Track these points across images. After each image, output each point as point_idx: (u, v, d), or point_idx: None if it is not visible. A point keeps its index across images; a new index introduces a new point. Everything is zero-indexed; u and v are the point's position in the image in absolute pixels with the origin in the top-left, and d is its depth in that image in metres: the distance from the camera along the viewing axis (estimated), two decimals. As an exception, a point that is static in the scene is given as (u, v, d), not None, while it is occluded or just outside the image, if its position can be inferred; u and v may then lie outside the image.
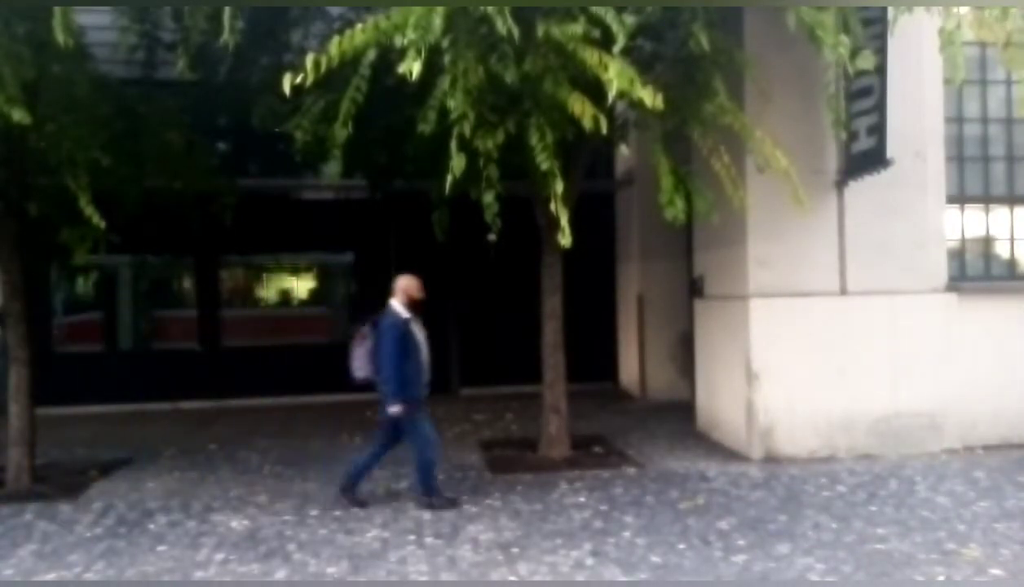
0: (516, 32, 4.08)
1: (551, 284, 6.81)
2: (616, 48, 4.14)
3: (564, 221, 4.49)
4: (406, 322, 5.36)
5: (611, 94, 4.17)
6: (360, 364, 5.40)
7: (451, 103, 4.19)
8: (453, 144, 4.22)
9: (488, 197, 4.57)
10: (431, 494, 5.37)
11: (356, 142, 4.90)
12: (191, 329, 10.14)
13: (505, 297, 10.10)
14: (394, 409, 5.20)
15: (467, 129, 4.24)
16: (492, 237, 4.56)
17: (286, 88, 4.05)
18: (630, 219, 10.02)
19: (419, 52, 3.88)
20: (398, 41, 4.01)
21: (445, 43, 4.06)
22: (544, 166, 4.53)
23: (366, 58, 4.31)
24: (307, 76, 4.01)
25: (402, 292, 5.45)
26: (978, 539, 4.61)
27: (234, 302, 10.56)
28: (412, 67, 3.87)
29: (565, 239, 4.53)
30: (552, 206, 4.53)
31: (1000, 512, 5.10)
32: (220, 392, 9.81)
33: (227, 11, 4.41)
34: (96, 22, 6.26)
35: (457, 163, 4.22)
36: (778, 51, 6.24)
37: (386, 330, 5.28)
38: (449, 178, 4.25)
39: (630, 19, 4.21)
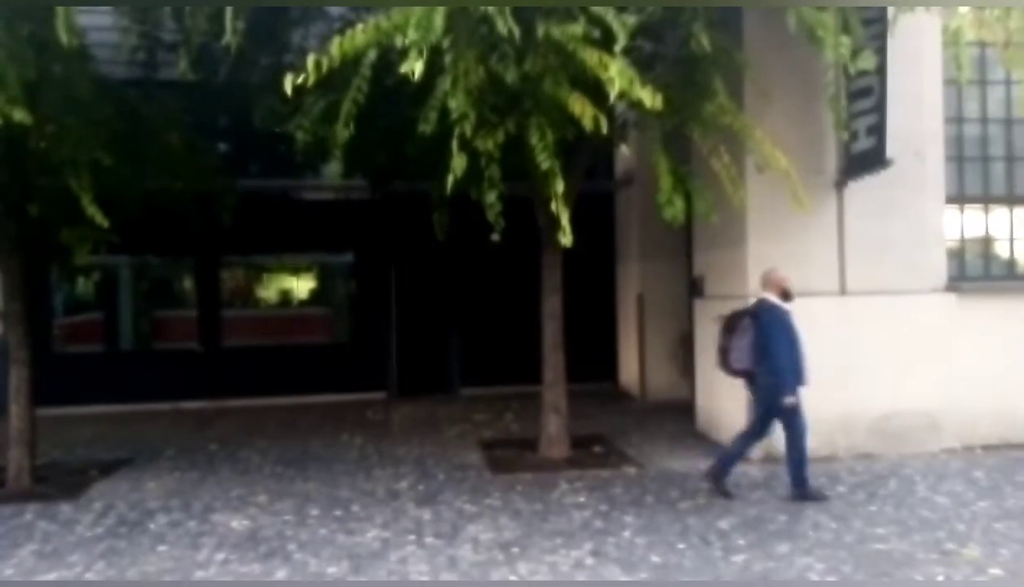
0: (517, 32, 4.09)
1: (551, 284, 6.81)
2: (617, 48, 4.14)
3: (564, 220, 4.49)
4: (788, 313, 5.45)
5: (612, 94, 4.17)
6: (741, 356, 5.49)
7: (453, 103, 4.19)
8: (454, 144, 4.22)
9: (490, 197, 4.57)
10: (803, 485, 5.43)
11: (356, 142, 4.90)
12: (191, 329, 10.14)
13: (505, 297, 10.11)
14: (790, 400, 5.29)
15: (468, 129, 4.24)
16: (495, 237, 4.57)
17: (288, 89, 4.05)
18: (630, 219, 10.03)
19: (420, 52, 3.88)
20: (398, 41, 4.01)
21: (446, 43, 4.06)
22: (545, 166, 4.53)
23: (367, 58, 4.31)
24: (309, 77, 4.01)
25: (774, 285, 5.56)
26: (977, 539, 4.61)
27: (234, 302, 10.55)
28: (415, 67, 3.87)
29: (566, 238, 4.53)
30: (552, 206, 4.53)
31: (1000, 512, 5.11)
32: (220, 392, 9.82)
33: (228, 12, 4.41)
34: (97, 23, 6.27)
35: (458, 163, 4.22)
36: (777, 51, 6.25)
37: (775, 323, 5.38)
38: (450, 178, 4.25)
39: (631, 19, 4.21)
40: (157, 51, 6.88)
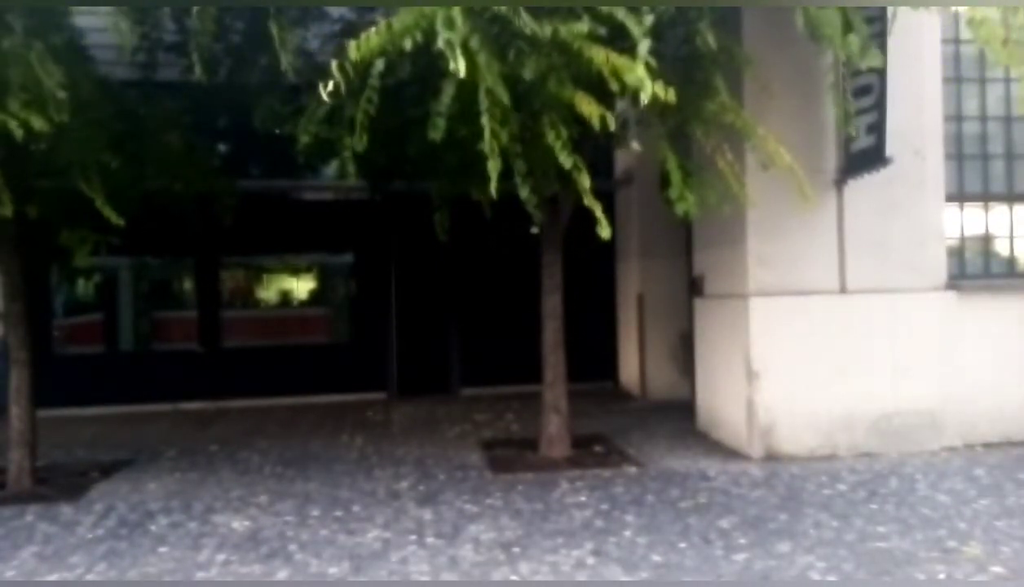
0: (538, 30, 4.06)
1: (551, 284, 6.81)
2: (643, 49, 4.05)
3: (599, 212, 4.48)
4: None
5: (644, 97, 4.06)
6: None
7: (484, 104, 4.13)
8: (487, 146, 4.17)
9: (523, 192, 4.57)
10: None
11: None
12: (191, 330, 10.15)
13: (505, 297, 10.11)
14: None
15: (496, 128, 4.19)
16: (534, 230, 4.55)
17: (323, 95, 4.05)
18: (630, 218, 10.02)
19: (454, 49, 3.84)
20: (407, 44, 4.00)
21: (475, 42, 4.02)
22: (567, 163, 4.50)
23: (374, 69, 4.28)
24: (339, 83, 4.00)
25: None
26: (979, 537, 4.61)
27: (234, 303, 10.56)
28: (460, 67, 3.80)
29: (604, 230, 4.51)
30: (585, 200, 4.50)
31: (1001, 509, 5.11)
32: (220, 393, 9.83)
33: (274, 29, 4.39)
34: (97, 24, 6.27)
35: (493, 165, 4.18)
36: (776, 50, 6.25)
37: None
38: (493, 183, 4.21)
39: (649, 18, 4.16)
40: (157, 52, 6.88)
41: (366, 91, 4.40)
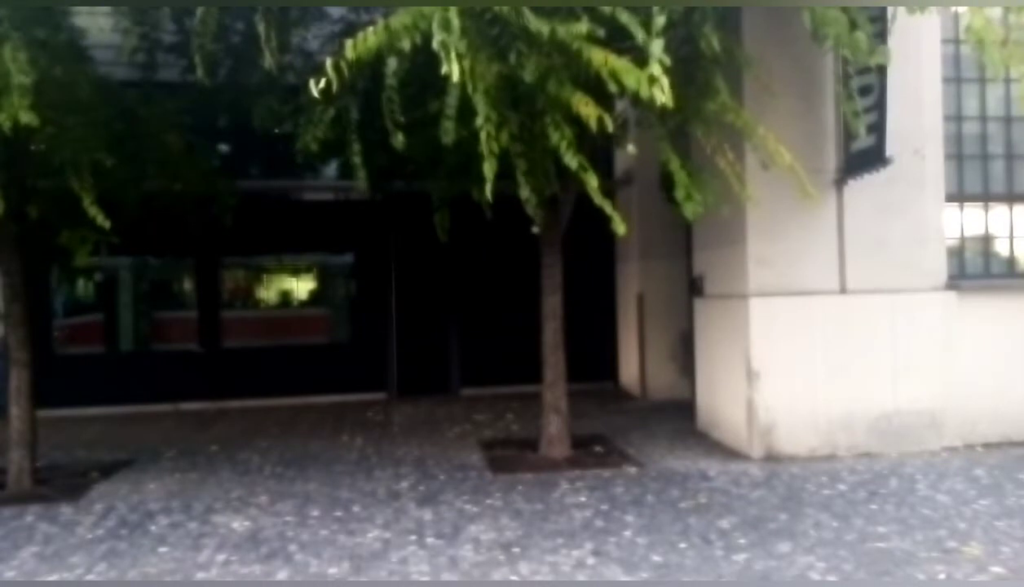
0: (543, 29, 4.06)
1: (551, 284, 6.81)
2: (656, 49, 4.01)
3: (610, 210, 4.47)
4: None
5: (661, 94, 4.04)
6: None
7: (481, 108, 4.12)
8: (483, 148, 4.15)
9: (524, 193, 4.56)
10: None
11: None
12: (191, 330, 10.15)
13: (505, 297, 10.11)
14: None
15: (492, 131, 4.19)
16: (535, 230, 4.52)
17: (314, 91, 4.04)
18: (629, 218, 9.93)
19: (448, 52, 3.83)
20: (406, 44, 3.99)
21: (463, 46, 4.02)
22: (573, 163, 4.49)
23: (388, 68, 4.26)
24: (333, 81, 3.99)
25: None
26: (979, 537, 4.61)
27: (234, 303, 10.57)
28: (453, 70, 3.79)
29: (620, 227, 4.50)
30: (595, 200, 4.50)
31: (1001, 510, 5.11)
32: (220, 393, 9.82)
33: (261, 27, 4.39)
34: (97, 24, 6.27)
35: (489, 167, 4.17)
36: (776, 50, 6.25)
37: None
38: (488, 186, 4.20)
39: (661, 19, 4.13)
40: (156, 52, 6.88)
41: (386, 91, 4.39)
